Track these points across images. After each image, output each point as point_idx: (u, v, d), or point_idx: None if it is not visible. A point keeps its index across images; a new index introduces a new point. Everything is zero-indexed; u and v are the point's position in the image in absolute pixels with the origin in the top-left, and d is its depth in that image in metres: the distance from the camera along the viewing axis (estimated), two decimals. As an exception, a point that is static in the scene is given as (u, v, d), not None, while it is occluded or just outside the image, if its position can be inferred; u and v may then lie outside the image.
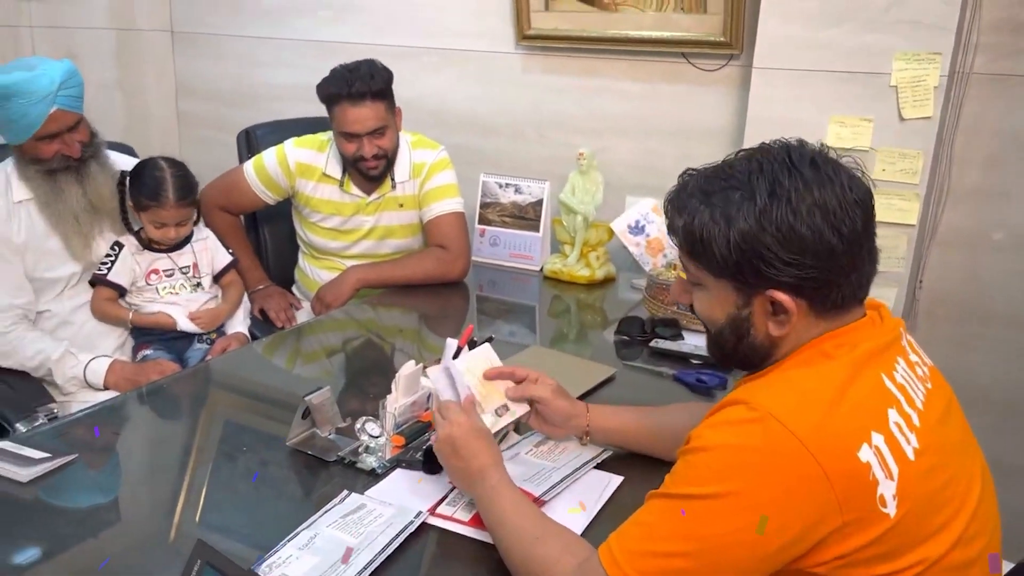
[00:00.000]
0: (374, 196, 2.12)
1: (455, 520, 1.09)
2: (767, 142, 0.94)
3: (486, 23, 2.50)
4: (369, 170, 2.03)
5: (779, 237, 0.86)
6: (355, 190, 2.11)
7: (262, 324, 2.11)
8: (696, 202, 0.91)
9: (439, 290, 2.11)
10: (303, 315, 2.18)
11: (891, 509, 0.82)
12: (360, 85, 1.94)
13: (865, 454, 0.81)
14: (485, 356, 1.26)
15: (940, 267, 2.06)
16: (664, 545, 0.85)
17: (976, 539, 0.88)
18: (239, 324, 1.98)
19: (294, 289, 2.31)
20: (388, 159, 2.06)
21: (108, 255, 1.85)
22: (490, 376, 1.22)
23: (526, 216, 2.27)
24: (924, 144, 1.86)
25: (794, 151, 0.91)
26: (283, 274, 2.33)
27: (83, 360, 1.76)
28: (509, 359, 1.58)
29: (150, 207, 1.81)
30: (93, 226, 1.83)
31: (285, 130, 2.39)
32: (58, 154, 1.73)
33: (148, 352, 1.85)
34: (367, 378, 1.68)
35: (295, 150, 2.12)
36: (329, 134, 2.11)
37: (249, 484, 1.21)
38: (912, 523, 0.83)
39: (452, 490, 1.14)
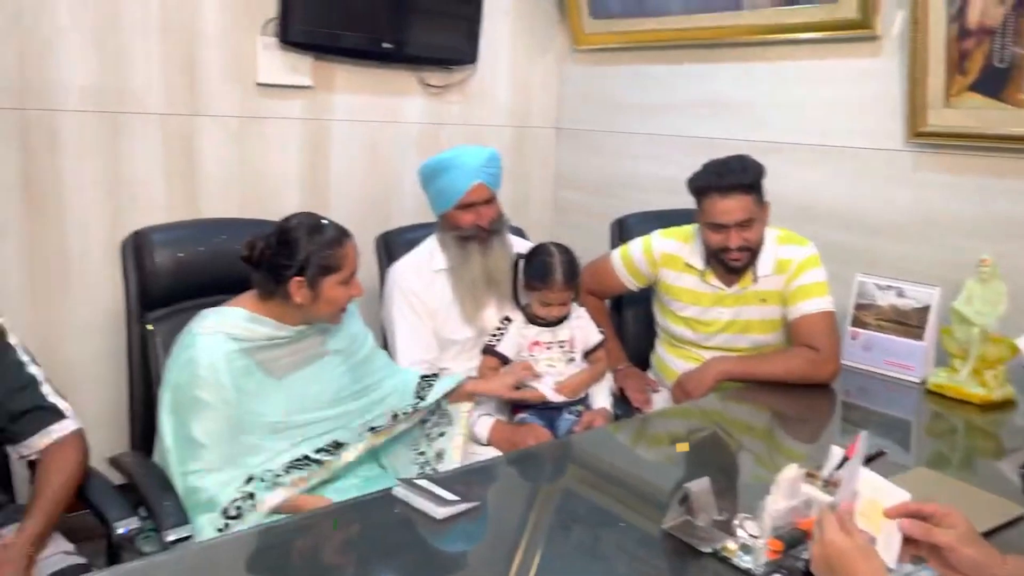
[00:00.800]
0: (734, 288, 2.12)
1: (843, 643, 1.02)
2: None
3: (870, 120, 2.41)
4: (731, 261, 2.04)
5: None
6: (715, 281, 2.13)
7: (619, 401, 2.20)
8: None
9: (800, 391, 2.02)
10: (659, 399, 2.23)
11: None
12: (731, 177, 1.98)
13: None
14: (883, 484, 1.13)
15: None
16: None
17: None
18: (603, 399, 2.09)
19: (649, 373, 2.37)
20: (752, 252, 2.06)
21: (499, 328, 2.08)
22: (892, 515, 1.07)
23: (908, 322, 2.10)
24: None
25: None
26: (639, 356, 2.41)
27: (473, 416, 1.99)
28: (891, 479, 1.46)
29: (539, 288, 2.01)
30: (487, 295, 2.08)
31: (653, 221, 2.51)
32: (473, 224, 2.01)
33: (524, 416, 2.03)
34: (712, 473, 1.66)
35: (661, 241, 2.22)
36: (696, 226, 2.16)
37: (622, 560, 1.25)
38: None
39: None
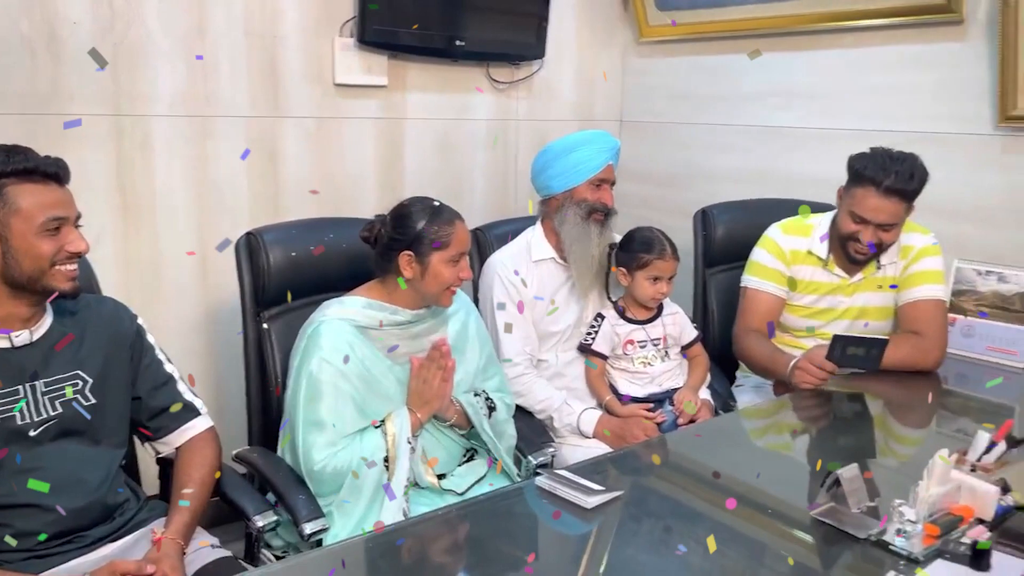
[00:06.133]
0: (857, 277, 2.10)
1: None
2: None
3: (956, 105, 2.39)
4: (856, 254, 2.02)
5: None
6: (838, 270, 2.11)
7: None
8: None
9: (904, 378, 2.01)
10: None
11: None
12: (899, 182, 1.90)
13: None
14: None
15: None
16: None
17: None
18: (704, 392, 2.10)
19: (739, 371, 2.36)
20: (880, 250, 2.03)
21: (592, 325, 2.09)
22: None
23: (1011, 307, 2.09)
24: None
25: None
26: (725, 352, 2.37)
27: (577, 410, 2.00)
28: (1022, 464, 1.46)
29: (650, 261, 2.00)
30: (594, 278, 2.09)
31: (738, 210, 2.52)
32: (600, 200, 2.05)
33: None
34: (831, 460, 1.65)
35: (785, 238, 2.14)
36: (813, 219, 2.15)
37: (775, 546, 1.26)
38: None
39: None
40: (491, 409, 1.82)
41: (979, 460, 1.33)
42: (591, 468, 1.51)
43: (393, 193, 2.82)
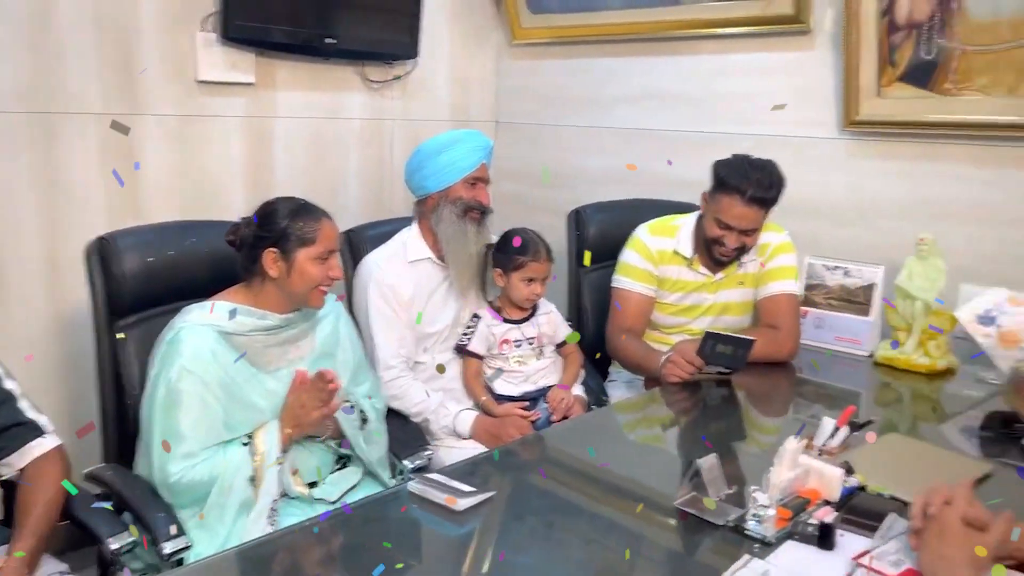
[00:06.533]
0: (719, 275, 2.20)
1: (867, 598, 1.10)
2: None
3: (806, 110, 2.54)
4: (721, 256, 2.11)
5: None
6: (702, 269, 2.20)
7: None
8: None
9: (763, 369, 2.12)
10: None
11: None
12: (759, 191, 1.99)
13: None
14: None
15: None
16: None
17: None
18: (578, 388, 2.14)
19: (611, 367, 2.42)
20: (743, 252, 2.13)
21: (469, 326, 2.09)
22: None
23: (855, 300, 2.24)
24: None
25: None
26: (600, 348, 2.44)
27: (453, 411, 1.99)
28: (866, 446, 1.57)
29: (524, 263, 2.03)
30: (472, 277, 2.10)
31: (611, 210, 2.58)
32: (475, 199, 2.06)
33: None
34: (702, 450, 1.73)
35: (652, 239, 2.21)
36: (678, 220, 2.23)
37: (640, 538, 1.30)
38: None
39: (856, 569, 1.16)
40: (364, 421, 1.79)
41: (825, 445, 1.42)
42: (466, 470, 1.51)
43: (262, 194, 2.69)
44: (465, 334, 2.09)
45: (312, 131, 2.86)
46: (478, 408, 2.05)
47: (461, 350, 2.09)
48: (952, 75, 2.21)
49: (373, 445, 1.78)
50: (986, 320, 2.00)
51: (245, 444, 1.58)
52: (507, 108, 3.43)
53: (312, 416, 1.62)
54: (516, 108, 3.39)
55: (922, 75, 2.26)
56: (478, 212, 2.07)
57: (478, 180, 2.07)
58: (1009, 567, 1.16)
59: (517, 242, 2.03)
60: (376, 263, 2.07)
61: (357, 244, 2.23)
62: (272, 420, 1.62)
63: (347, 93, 2.94)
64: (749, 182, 1.99)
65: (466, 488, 1.34)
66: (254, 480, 1.54)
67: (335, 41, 2.71)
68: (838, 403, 2.11)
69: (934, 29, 2.21)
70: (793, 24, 2.51)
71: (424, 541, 1.30)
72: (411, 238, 2.11)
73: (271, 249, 1.64)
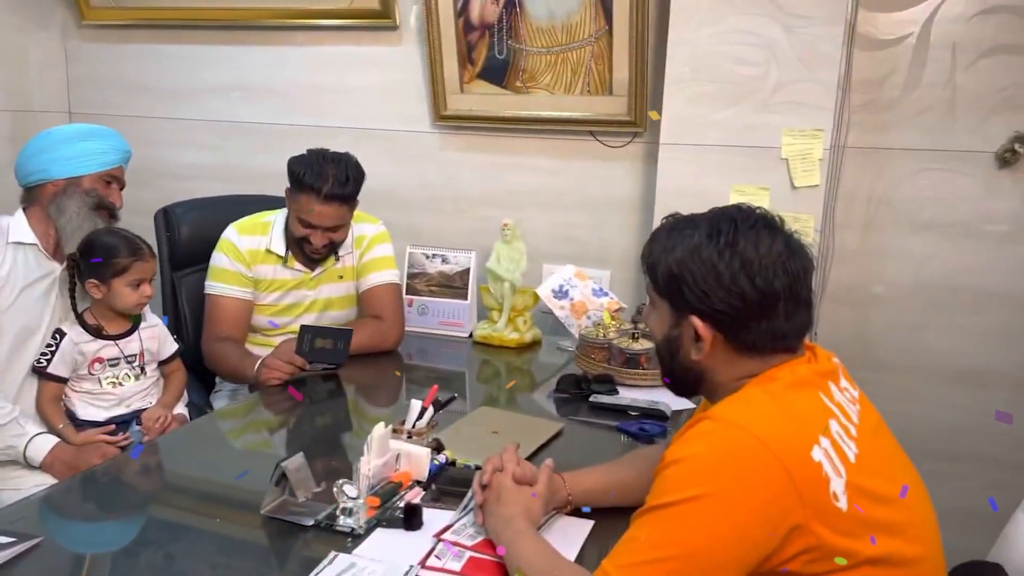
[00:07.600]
0: (317, 271, 2.15)
1: (446, 571, 1.12)
2: (740, 203, 1.10)
3: (401, 104, 2.62)
4: (313, 254, 2.07)
5: (701, 269, 1.03)
6: (298, 265, 2.13)
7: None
8: (663, 234, 1.10)
9: (370, 360, 2.13)
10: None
11: (843, 503, 0.94)
12: (336, 188, 1.95)
13: (816, 454, 0.94)
14: None
15: (831, 319, 2.28)
16: (652, 553, 0.93)
17: (918, 542, 1.01)
18: (181, 406, 1.94)
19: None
20: (335, 246, 2.10)
21: (49, 344, 1.79)
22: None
23: (453, 285, 2.35)
24: (814, 209, 2.10)
25: (744, 211, 1.07)
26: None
27: (29, 432, 1.69)
28: (459, 421, 1.64)
29: (129, 265, 1.78)
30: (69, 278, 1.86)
31: (205, 208, 2.40)
32: (109, 199, 1.89)
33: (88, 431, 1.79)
34: (310, 448, 1.68)
35: (241, 238, 2.10)
36: (269, 217, 2.13)
37: (227, 555, 1.20)
38: (860, 516, 0.94)
39: (437, 544, 1.18)
40: None
41: (414, 427, 1.45)
42: (15, 513, 1.28)
43: None
44: (44, 354, 1.78)
45: None
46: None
47: (41, 373, 1.78)
48: (521, 74, 2.42)
49: None
50: (560, 294, 2.23)
51: None
52: (82, 97, 3.02)
53: None
54: (93, 98, 3.00)
55: (497, 73, 2.45)
56: (108, 212, 1.87)
57: (114, 179, 1.91)
58: (567, 514, 1.28)
59: (110, 244, 1.78)
60: None
61: None
62: None
63: None
64: (324, 178, 1.96)
65: (3, 539, 1.12)
66: None
67: None
68: (447, 385, 2.20)
69: (504, 31, 2.40)
70: (381, 19, 2.55)
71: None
72: (15, 221, 1.83)
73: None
